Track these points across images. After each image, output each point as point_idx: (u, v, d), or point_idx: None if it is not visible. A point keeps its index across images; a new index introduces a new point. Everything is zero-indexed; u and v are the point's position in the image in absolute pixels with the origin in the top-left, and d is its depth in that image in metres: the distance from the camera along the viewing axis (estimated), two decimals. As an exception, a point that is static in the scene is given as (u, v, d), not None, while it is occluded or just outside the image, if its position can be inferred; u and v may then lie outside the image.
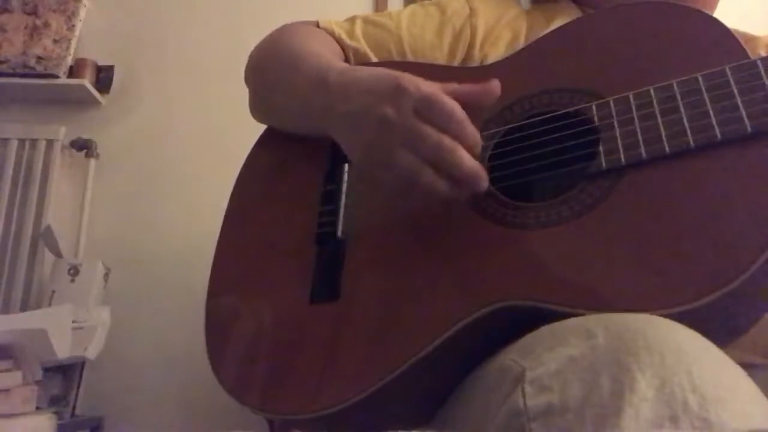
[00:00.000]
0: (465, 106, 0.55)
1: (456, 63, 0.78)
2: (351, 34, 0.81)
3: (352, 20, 0.84)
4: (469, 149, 0.55)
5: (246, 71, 0.84)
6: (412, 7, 0.85)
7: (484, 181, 0.55)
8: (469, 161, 0.54)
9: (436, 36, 0.79)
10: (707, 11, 0.60)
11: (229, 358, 0.65)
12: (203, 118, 1.88)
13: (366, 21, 0.83)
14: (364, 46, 0.80)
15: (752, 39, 0.76)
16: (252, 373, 0.62)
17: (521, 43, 0.76)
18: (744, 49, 0.54)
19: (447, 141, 0.54)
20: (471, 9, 0.81)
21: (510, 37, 0.78)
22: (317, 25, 0.82)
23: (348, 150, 0.62)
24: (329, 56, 0.74)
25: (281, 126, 0.78)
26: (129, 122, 1.92)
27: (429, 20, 0.81)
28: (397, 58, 0.79)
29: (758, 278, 0.43)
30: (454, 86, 0.56)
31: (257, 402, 0.60)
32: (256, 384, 0.61)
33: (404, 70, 0.57)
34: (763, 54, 0.74)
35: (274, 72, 0.77)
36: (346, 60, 0.80)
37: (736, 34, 0.56)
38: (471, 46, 0.78)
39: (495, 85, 0.56)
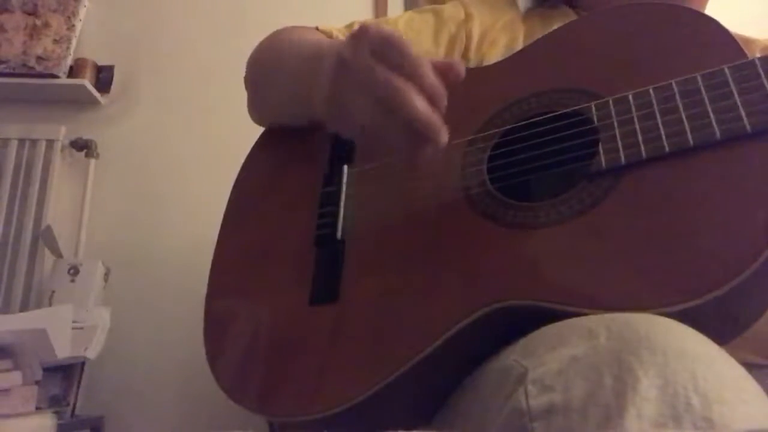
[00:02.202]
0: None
1: None
2: None
3: (350, 27, 0.84)
4: (429, 98, 0.51)
5: (245, 76, 0.84)
6: (409, 13, 0.86)
7: (442, 134, 0.52)
8: (422, 105, 0.50)
9: (433, 41, 0.80)
10: (700, 10, 0.61)
11: (227, 360, 0.65)
12: (203, 118, 1.88)
13: None
14: None
15: (749, 42, 0.76)
16: (250, 375, 0.62)
17: (519, 46, 0.76)
18: (742, 50, 0.54)
19: (398, 81, 0.50)
20: (466, 14, 0.82)
21: (507, 40, 0.78)
22: (316, 30, 0.83)
23: (321, 110, 0.59)
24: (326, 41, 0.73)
25: (276, 117, 0.78)
26: (129, 122, 1.92)
27: (425, 26, 0.82)
28: None
29: (759, 276, 0.43)
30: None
31: (255, 403, 0.60)
32: (254, 385, 0.61)
33: None
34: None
35: (270, 62, 0.77)
36: None
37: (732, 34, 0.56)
38: (467, 49, 0.79)
39: (459, 66, 0.53)
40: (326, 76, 0.57)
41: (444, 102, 0.52)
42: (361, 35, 0.53)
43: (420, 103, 0.51)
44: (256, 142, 0.82)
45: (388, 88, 0.51)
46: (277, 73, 0.75)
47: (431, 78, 0.52)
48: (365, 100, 0.52)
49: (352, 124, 0.55)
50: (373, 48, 0.52)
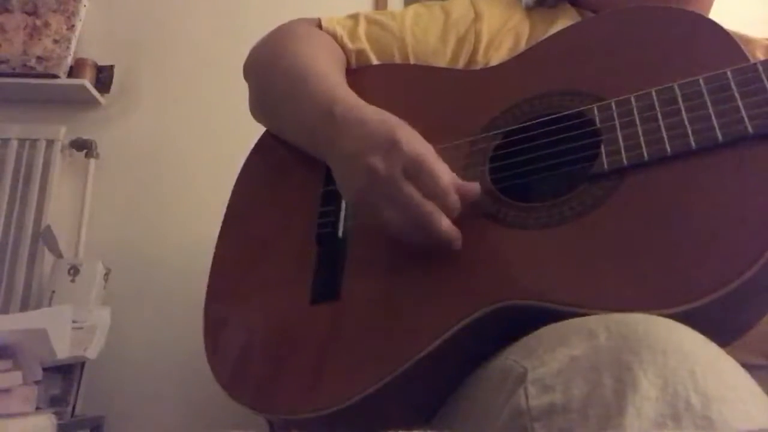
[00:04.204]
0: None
1: (459, 68, 0.78)
2: (353, 34, 0.80)
3: (355, 18, 0.83)
4: (449, 214, 0.56)
5: (245, 68, 0.84)
6: (416, 7, 0.84)
7: (457, 242, 0.56)
8: (446, 224, 0.56)
9: (440, 41, 0.79)
10: (704, 13, 0.61)
11: (227, 358, 0.65)
12: (203, 118, 1.88)
13: (369, 20, 0.82)
14: (366, 47, 0.79)
15: (749, 41, 0.76)
16: (250, 373, 0.62)
17: (522, 47, 0.76)
18: (744, 52, 0.54)
19: (427, 205, 0.56)
20: (476, 13, 0.80)
21: (512, 42, 0.78)
22: (319, 23, 0.82)
23: (341, 189, 0.63)
24: (337, 75, 0.74)
25: (283, 137, 0.78)
26: (129, 122, 1.92)
27: (433, 24, 0.81)
28: (399, 60, 0.79)
29: (759, 278, 0.44)
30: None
31: (255, 402, 0.60)
32: (254, 384, 0.61)
33: (407, 73, 0.58)
34: (761, 56, 0.74)
35: (280, 86, 0.77)
36: (348, 63, 0.80)
37: (734, 37, 0.56)
38: (475, 51, 0.78)
39: (477, 188, 0.58)
40: (346, 164, 0.62)
41: (457, 213, 0.57)
42: (394, 149, 0.57)
43: (444, 224, 0.56)
44: (257, 142, 0.82)
45: (419, 212, 0.56)
46: (286, 105, 0.75)
47: (455, 201, 0.57)
48: (393, 212, 0.57)
49: (375, 219, 0.59)
50: (405, 166, 0.56)
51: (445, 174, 0.57)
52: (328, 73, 0.73)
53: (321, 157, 0.68)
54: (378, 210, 0.58)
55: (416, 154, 0.56)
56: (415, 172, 0.56)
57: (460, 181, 0.58)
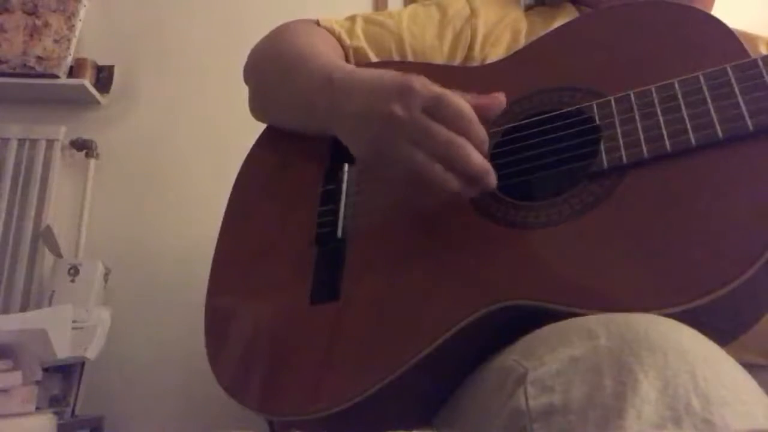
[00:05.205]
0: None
1: (456, 64, 0.78)
2: (351, 32, 0.81)
3: (352, 19, 0.84)
4: (478, 147, 0.55)
5: (246, 70, 0.84)
6: (413, 6, 0.85)
7: (492, 178, 0.55)
8: (478, 158, 0.54)
9: (437, 38, 0.79)
10: (706, 10, 0.60)
11: (228, 359, 0.65)
12: (203, 118, 1.88)
13: (366, 20, 0.83)
14: (364, 44, 0.80)
15: (752, 37, 0.76)
16: (251, 374, 0.62)
17: (521, 44, 0.76)
18: (745, 48, 0.54)
19: (457, 138, 0.54)
20: (472, 10, 0.81)
21: (510, 38, 0.78)
22: (317, 23, 0.82)
23: (354, 148, 0.62)
24: (333, 56, 0.74)
25: (282, 124, 0.78)
26: (129, 122, 1.92)
27: (430, 21, 0.81)
28: (397, 58, 0.79)
29: (760, 277, 0.43)
30: (461, 93, 0.57)
31: (255, 402, 0.60)
32: (254, 384, 0.61)
33: (405, 71, 0.57)
34: (765, 52, 0.74)
35: (278, 71, 0.77)
36: (347, 60, 0.80)
37: (736, 33, 0.56)
38: (471, 47, 0.78)
39: (502, 98, 0.57)
40: (358, 121, 0.61)
41: (487, 146, 0.56)
42: (410, 92, 0.56)
43: (476, 157, 0.54)
44: (257, 141, 0.82)
45: (450, 148, 0.54)
46: (283, 85, 0.75)
47: (482, 133, 0.55)
48: (422, 155, 0.55)
49: (397, 167, 0.58)
50: (425, 105, 0.55)
51: (467, 106, 0.55)
52: (325, 53, 0.73)
53: (323, 131, 0.67)
54: (403, 156, 0.56)
55: (434, 92, 0.55)
56: (438, 109, 0.55)
57: (483, 99, 0.57)
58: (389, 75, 0.59)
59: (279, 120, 0.79)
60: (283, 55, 0.77)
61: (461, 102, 0.55)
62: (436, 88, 0.55)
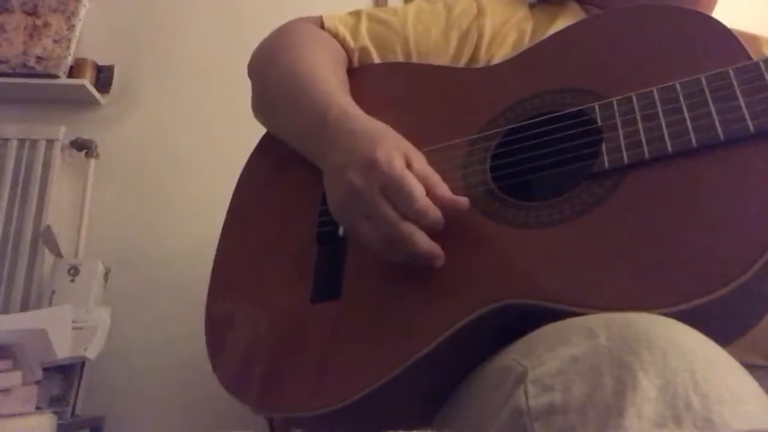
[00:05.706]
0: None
1: (461, 64, 0.78)
2: (356, 33, 0.80)
3: (357, 15, 0.83)
4: (429, 232, 0.56)
5: (249, 67, 0.84)
6: (418, 3, 0.84)
7: (440, 262, 0.56)
8: (425, 244, 0.55)
9: (442, 37, 0.79)
10: (707, 13, 0.60)
11: (229, 357, 0.65)
12: (203, 118, 1.88)
13: (371, 18, 0.82)
14: (368, 45, 0.79)
15: (755, 38, 0.76)
16: (252, 372, 0.62)
17: (525, 44, 0.76)
18: (746, 51, 0.54)
19: (402, 224, 0.55)
20: (479, 9, 0.80)
21: (515, 38, 0.77)
22: (321, 22, 0.82)
23: (327, 199, 0.64)
24: (334, 82, 0.73)
25: (280, 138, 0.78)
26: (129, 122, 1.92)
27: (435, 20, 0.80)
28: (402, 57, 0.78)
29: (760, 277, 0.43)
30: (429, 173, 0.58)
31: (256, 400, 0.60)
32: (255, 382, 0.61)
33: (408, 72, 0.58)
34: (767, 53, 0.74)
35: (279, 90, 0.77)
36: (351, 62, 0.80)
37: (737, 34, 0.56)
38: (477, 47, 0.77)
39: (465, 203, 0.57)
40: (332, 177, 0.63)
41: (441, 226, 0.57)
42: (373, 167, 0.57)
43: (423, 243, 0.55)
44: (259, 143, 0.82)
45: (394, 232, 0.55)
46: (283, 108, 0.76)
47: (435, 217, 0.56)
48: (369, 230, 0.57)
49: (354, 233, 0.60)
50: (383, 185, 0.56)
51: (420, 193, 0.56)
52: (327, 78, 0.73)
53: (315, 164, 0.69)
54: (356, 227, 0.58)
55: (393, 175, 0.56)
56: (393, 192, 0.56)
57: (448, 196, 0.57)
58: (372, 137, 0.60)
59: (278, 136, 0.79)
60: (284, 72, 0.76)
61: (416, 189, 0.55)
62: (398, 170, 0.56)
